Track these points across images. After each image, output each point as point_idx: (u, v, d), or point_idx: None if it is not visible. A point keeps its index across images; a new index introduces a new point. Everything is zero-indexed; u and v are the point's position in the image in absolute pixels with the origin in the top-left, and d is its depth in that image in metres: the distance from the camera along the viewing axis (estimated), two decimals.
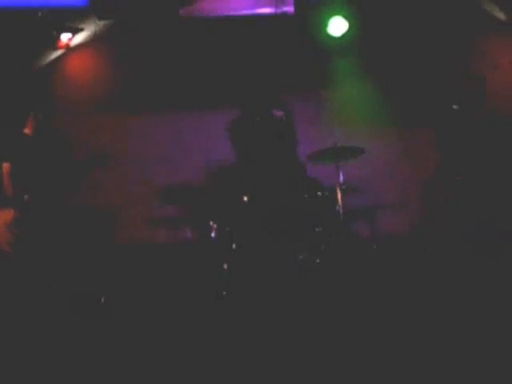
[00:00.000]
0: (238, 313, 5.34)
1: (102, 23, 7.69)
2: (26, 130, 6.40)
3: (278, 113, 6.42)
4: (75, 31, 7.68)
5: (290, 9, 7.70)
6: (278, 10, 7.68)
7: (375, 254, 6.50)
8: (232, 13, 7.70)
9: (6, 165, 6.23)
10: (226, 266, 5.92)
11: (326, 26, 7.73)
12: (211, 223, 6.29)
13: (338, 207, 6.40)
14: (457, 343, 4.47)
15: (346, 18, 7.69)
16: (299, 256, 5.91)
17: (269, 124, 6.33)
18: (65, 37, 7.64)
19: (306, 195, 6.28)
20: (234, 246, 6.02)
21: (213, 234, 6.24)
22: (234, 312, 5.39)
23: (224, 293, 5.72)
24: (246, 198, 6.21)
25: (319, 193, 6.38)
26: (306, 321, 5.06)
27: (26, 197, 6.08)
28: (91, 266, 6.32)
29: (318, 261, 5.97)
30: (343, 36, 7.76)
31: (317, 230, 6.22)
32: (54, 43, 7.66)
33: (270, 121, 6.34)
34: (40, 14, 7.16)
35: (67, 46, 7.75)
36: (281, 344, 4.63)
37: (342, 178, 6.57)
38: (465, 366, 4.12)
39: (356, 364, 4.27)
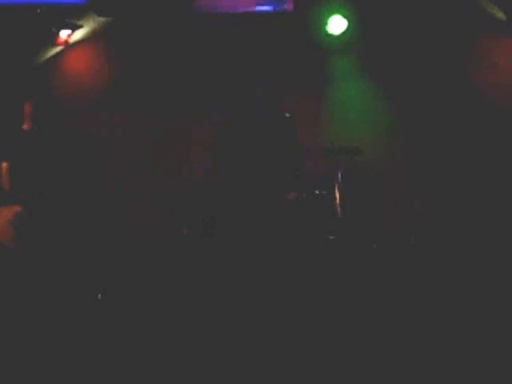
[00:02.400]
0: (238, 311, 5.35)
1: (101, 20, 7.66)
2: (25, 126, 6.40)
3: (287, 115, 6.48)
4: (74, 28, 7.64)
5: (289, 7, 7.68)
6: (277, 8, 7.67)
7: (375, 254, 6.49)
8: (231, 10, 7.69)
9: (4, 164, 6.25)
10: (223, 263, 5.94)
11: (325, 24, 7.70)
12: (210, 220, 6.32)
13: (336, 206, 6.40)
14: (458, 344, 4.49)
15: (345, 16, 7.67)
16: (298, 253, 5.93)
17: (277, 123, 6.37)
18: (64, 33, 7.59)
19: (303, 194, 6.30)
20: (231, 242, 6.05)
21: (211, 231, 6.26)
22: (233, 310, 5.39)
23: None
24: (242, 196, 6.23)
25: (317, 191, 6.39)
26: (306, 321, 5.07)
27: (26, 193, 6.11)
28: (93, 261, 6.34)
29: (317, 260, 5.99)
30: (342, 35, 7.73)
31: (315, 228, 6.24)
32: (53, 40, 7.61)
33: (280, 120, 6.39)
34: (39, 10, 7.15)
35: (66, 43, 7.71)
36: (283, 342, 4.64)
37: (340, 176, 6.57)
38: (465, 366, 4.13)
39: (358, 363, 4.28)
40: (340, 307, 5.35)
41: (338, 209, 6.36)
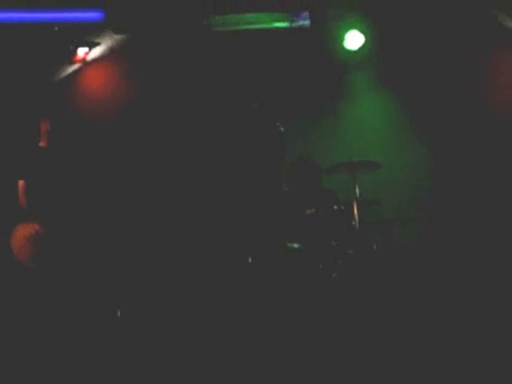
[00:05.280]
0: (252, 324, 5.33)
1: (118, 37, 7.70)
2: (41, 144, 6.43)
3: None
4: (92, 45, 7.70)
5: (306, 23, 7.69)
6: (294, 24, 7.67)
7: (390, 266, 6.43)
8: (248, 27, 7.70)
9: (21, 182, 6.27)
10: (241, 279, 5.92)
11: (342, 39, 7.72)
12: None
13: (353, 221, 6.34)
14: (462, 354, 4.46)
15: (362, 31, 7.67)
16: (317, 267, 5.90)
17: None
18: (81, 51, 7.66)
19: (322, 209, 6.26)
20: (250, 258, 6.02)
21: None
22: (248, 324, 5.37)
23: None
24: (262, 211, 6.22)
25: (335, 206, 6.34)
26: (319, 333, 5.05)
27: (43, 211, 6.12)
28: (108, 275, 6.34)
29: (334, 275, 5.93)
30: (360, 50, 7.74)
31: (333, 243, 6.18)
32: (70, 57, 7.68)
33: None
34: (56, 28, 7.21)
35: (84, 61, 7.77)
36: (294, 356, 4.62)
37: (358, 191, 6.52)
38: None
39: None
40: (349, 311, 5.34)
41: (356, 224, 6.30)
